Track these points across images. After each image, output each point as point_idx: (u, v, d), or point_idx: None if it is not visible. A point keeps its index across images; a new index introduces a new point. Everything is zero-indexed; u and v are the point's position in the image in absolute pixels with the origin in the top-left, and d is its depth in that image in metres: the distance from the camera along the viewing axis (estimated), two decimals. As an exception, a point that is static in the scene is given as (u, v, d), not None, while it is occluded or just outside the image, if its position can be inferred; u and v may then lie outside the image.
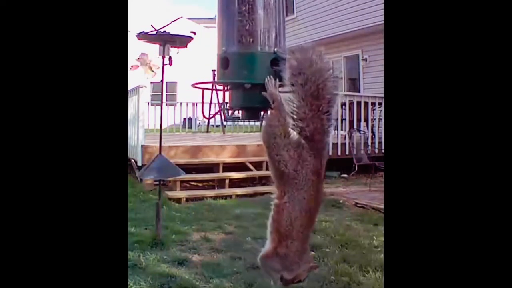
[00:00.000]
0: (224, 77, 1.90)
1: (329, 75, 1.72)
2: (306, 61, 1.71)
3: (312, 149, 1.70)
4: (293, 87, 1.72)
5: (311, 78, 1.69)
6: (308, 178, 1.69)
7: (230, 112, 2.20)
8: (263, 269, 1.84)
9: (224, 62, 1.85)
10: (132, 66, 3.58)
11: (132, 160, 6.03)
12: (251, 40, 1.84)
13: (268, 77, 1.75)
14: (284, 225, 1.71)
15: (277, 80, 1.77)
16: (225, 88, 2.19)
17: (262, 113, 2.00)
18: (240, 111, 2.15)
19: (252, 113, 2.07)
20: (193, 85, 2.14)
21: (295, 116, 1.72)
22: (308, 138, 1.71)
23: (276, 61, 1.85)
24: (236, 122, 10.39)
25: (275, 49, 1.87)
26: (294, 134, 1.73)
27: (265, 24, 1.83)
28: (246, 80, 1.87)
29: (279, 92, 1.81)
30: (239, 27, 1.85)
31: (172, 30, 3.21)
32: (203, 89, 2.37)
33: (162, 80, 3.50)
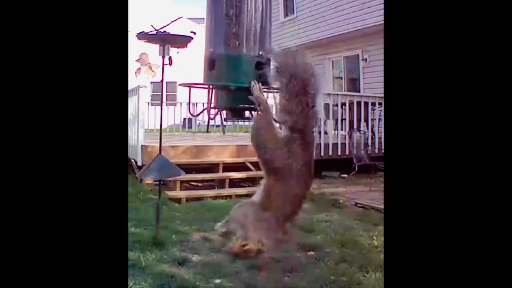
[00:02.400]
0: (211, 78, 1.94)
1: (312, 72, 1.81)
2: (290, 60, 1.82)
3: (302, 142, 1.75)
4: (280, 85, 1.79)
5: (295, 76, 1.78)
6: (298, 169, 1.78)
7: (215, 111, 2.25)
8: (235, 214, 1.89)
9: (211, 63, 1.89)
10: (136, 71, 3.60)
11: (132, 160, 6.03)
12: (237, 43, 1.88)
13: (253, 81, 1.83)
14: (270, 205, 1.79)
15: (260, 83, 1.85)
16: (209, 88, 2.22)
17: (247, 112, 2.04)
18: (225, 111, 2.18)
19: (236, 112, 2.10)
20: (181, 85, 2.18)
21: (285, 110, 1.78)
22: (298, 131, 1.76)
23: (260, 64, 1.90)
24: (236, 122, 10.40)
25: (260, 52, 1.92)
26: (281, 131, 1.82)
27: (251, 28, 1.87)
28: (232, 82, 1.91)
29: (264, 93, 1.93)
30: (225, 29, 1.88)
31: (172, 30, 3.21)
32: (190, 87, 2.39)
33: (162, 80, 3.50)
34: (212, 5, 1.84)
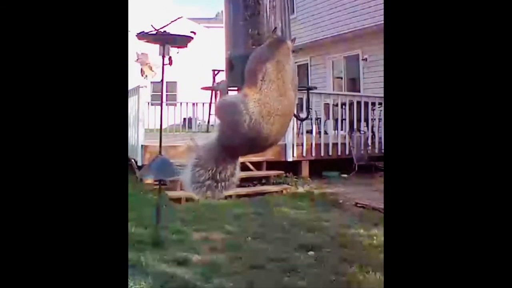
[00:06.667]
0: (230, 80, 1.89)
1: None
2: None
3: None
4: None
5: None
6: None
7: None
8: None
9: (230, 65, 1.85)
10: (141, 72, 3.59)
11: (132, 160, 6.04)
12: (254, 43, 1.83)
13: None
14: None
15: None
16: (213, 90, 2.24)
17: None
18: None
19: None
20: (203, 88, 2.15)
21: None
22: None
23: None
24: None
25: None
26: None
27: (269, 27, 1.82)
28: None
29: None
30: (242, 30, 1.84)
31: (172, 30, 3.21)
32: (215, 91, 2.37)
33: (162, 80, 3.50)
34: (229, 6, 1.82)
